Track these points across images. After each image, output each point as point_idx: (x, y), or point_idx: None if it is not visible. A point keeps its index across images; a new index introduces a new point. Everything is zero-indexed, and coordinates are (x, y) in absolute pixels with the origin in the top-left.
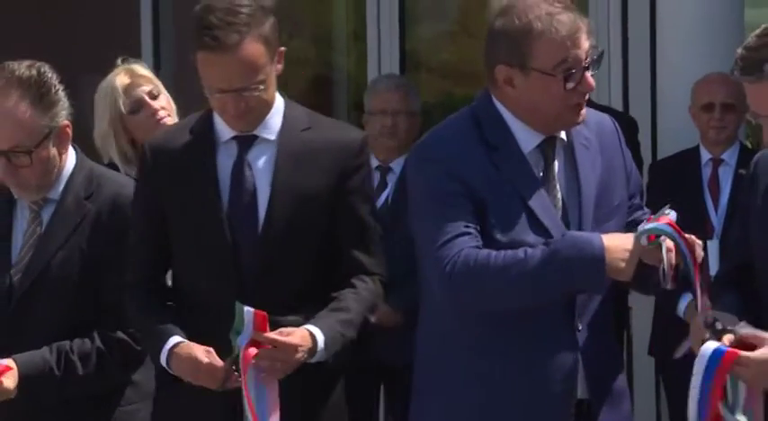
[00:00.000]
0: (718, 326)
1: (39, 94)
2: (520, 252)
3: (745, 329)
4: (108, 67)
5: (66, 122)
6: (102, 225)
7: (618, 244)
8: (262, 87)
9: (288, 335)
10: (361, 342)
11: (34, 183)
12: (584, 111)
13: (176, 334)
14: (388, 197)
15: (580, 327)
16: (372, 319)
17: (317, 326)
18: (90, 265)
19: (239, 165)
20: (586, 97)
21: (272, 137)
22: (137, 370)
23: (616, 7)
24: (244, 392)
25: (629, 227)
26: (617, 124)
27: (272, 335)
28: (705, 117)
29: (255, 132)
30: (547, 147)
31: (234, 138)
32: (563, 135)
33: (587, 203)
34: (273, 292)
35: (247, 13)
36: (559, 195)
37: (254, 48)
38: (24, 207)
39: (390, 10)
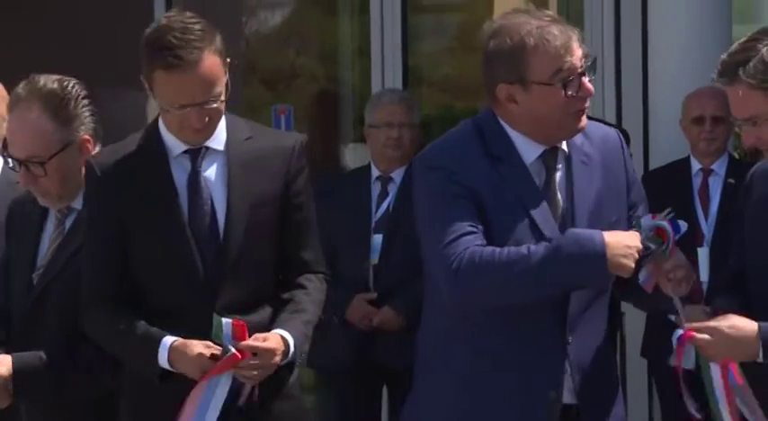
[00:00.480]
0: None
1: (59, 108)
2: (523, 248)
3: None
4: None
5: (87, 136)
6: None
7: (619, 240)
8: (221, 99)
9: (264, 340)
10: (364, 345)
11: (54, 192)
12: (585, 118)
13: (167, 334)
14: (389, 206)
15: (570, 340)
16: (375, 322)
17: (285, 329)
18: None
19: (194, 177)
20: (587, 104)
21: (221, 147)
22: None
23: (609, 24)
24: (198, 389)
25: None
26: (622, 137)
27: (251, 342)
28: (696, 129)
29: (205, 144)
30: (549, 158)
31: (185, 151)
32: (564, 147)
33: (581, 217)
34: (236, 294)
35: (200, 29)
36: (561, 204)
37: (212, 61)
38: (53, 215)
39: (393, 27)
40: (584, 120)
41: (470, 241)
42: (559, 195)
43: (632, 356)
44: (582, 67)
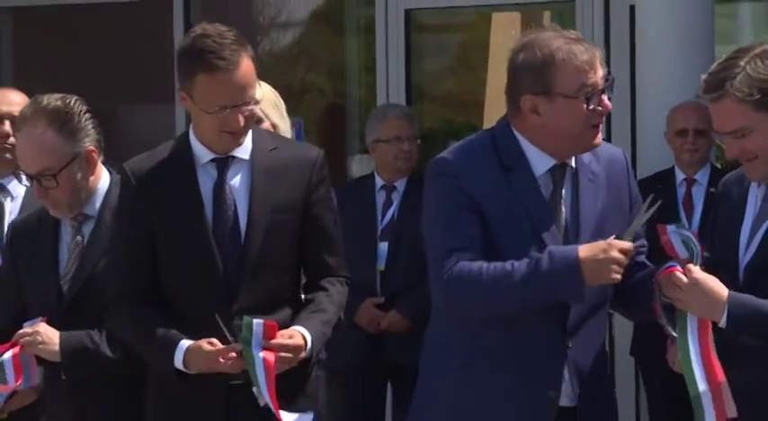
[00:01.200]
0: None
1: (63, 123)
2: (507, 265)
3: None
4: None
5: (92, 148)
6: None
7: (594, 253)
8: (256, 101)
9: (290, 337)
10: (371, 346)
11: (65, 202)
12: (600, 135)
13: (183, 337)
14: (393, 214)
15: (570, 345)
16: (383, 325)
17: (303, 326)
18: None
19: (220, 185)
20: (602, 120)
21: (246, 156)
22: None
23: (600, 45)
24: (268, 391)
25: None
26: (627, 158)
27: (281, 341)
28: (680, 141)
29: (231, 153)
30: (557, 172)
31: (212, 160)
32: (573, 164)
33: (585, 232)
34: (256, 296)
35: (234, 34)
36: (564, 217)
37: (249, 63)
38: (67, 225)
39: (398, 46)
40: (600, 137)
41: (462, 256)
42: (563, 208)
43: (621, 354)
44: (602, 84)
